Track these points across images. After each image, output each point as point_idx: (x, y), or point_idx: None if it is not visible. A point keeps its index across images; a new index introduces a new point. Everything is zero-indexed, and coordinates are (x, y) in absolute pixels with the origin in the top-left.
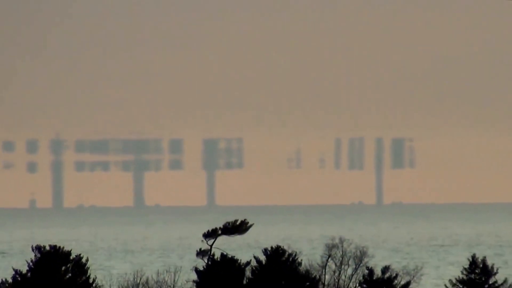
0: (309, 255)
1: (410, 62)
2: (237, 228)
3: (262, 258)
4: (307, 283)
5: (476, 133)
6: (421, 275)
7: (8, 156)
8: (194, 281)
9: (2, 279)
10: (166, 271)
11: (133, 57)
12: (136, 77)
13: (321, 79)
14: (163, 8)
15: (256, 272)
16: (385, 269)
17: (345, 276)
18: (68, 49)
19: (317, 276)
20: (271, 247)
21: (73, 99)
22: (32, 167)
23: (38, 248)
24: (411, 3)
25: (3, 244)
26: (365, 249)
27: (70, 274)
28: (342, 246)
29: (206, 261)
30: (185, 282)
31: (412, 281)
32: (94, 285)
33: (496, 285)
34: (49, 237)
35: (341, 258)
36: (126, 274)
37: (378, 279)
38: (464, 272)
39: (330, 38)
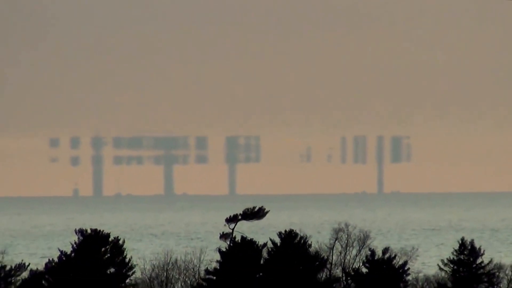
0: (318, 238)
1: (408, 68)
2: (255, 214)
3: (277, 240)
4: (317, 263)
5: (463, 132)
6: (417, 255)
7: (54, 151)
8: (217, 261)
9: (49, 259)
10: (193, 252)
11: (161, 63)
12: (166, 81)
13: (329, 84)
14: (180, 10)
15: (272, 253)
16: (385, 250)
17: (350, 257)
18: (103, 55)
19: (325, 257)
20: (285, 231)
21: (111, 100)
22: (75, 161)
23: (81, 231)
24: (413, 3)
25: (51, 226)
26: (367, 232)
27: (108, 254)
28: (348, 230)
29: (228, 243)
30: (210, 261)
31: (409, 261)
32: (129, 264)
33: (483, 265)
34: (90, 222)
35: (346, 241)
36: (157, 254)
37: (379, 259)
38: (455, 253)
39: (338, 44)
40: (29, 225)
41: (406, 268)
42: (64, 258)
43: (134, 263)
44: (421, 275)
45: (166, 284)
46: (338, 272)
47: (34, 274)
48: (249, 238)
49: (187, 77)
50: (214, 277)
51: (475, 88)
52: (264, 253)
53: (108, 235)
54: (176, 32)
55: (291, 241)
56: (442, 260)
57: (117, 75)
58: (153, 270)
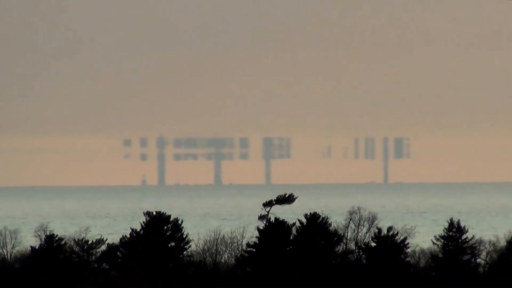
0: (336, 219)
1: (410, 77)
2: (286, 199)
3: (304, 221)
4: (335, 238)
5: (453, 134)
6: (414, 233)
7: (127, 149)
8: (256, 237)
9: (123, 235)
10: (237, 230)
11: (211, 76)
12: (216, 93)
13: (345, 96)
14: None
15: (299, 230)
16: (390, 229)
17: (362, 234)
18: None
19: (342, 234)
20: (310, 213)
21: (172, 108)
22: (143, 157)
23: (148, 213)
24: (415, 4)
25: (125, 209)
26: (375, 214)
27: (169, 232)
28: (359, 212)
29: (264, 223)
30: (250, 237)
31: (408, 237)
32: (186, 239)
33: (467, 240)
34: (155, 206)
35: (358, 221)
36: (208, 231)
37: (384, 236)
38: (445, 231)
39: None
40: (106, 208)
41: (406, 243)
42: (134, 235)
43: (190, 238)
44: (417, 248)
45: (215, 256)
46: (352, 246)
47: (111, 247)
48: (281, 219)
49: (233, 89)
50: (254, 250)
51: (463, 97)
52: (293, 231)
53: (169, 216)
54: (230, 47)
55: (315, 221)
56: (435, 236)
57: (177, 86)
58: (205, 244)
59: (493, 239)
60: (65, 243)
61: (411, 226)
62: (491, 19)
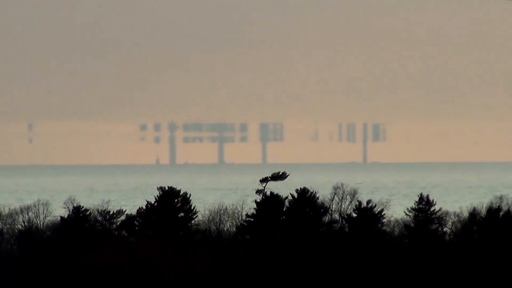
0: (323, 193)
1: (386, 72)
2: (279, 176)
3: (295, 195)
4: (322, 210)
5: (422, 119)
6: (389, 205)
7: (143, 133)
8: (254, 208)
9: (139, 207)
10: (237, 202)
11: (216, 68)
12: (219, 83)
13: (330, 88)
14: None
15: (291, 203)
16: (368, 202)
17: (345, 206)
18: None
19: (327, 206)
20: (300, 188)
21: (182, 98)
22: (157, 140)
23: (161, 188)
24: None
25: (140, 184)
26: (356, 189)
27: (179, 204)
28: (343, 188)
29: (261, 196)
30: (249, 209)
31: (384, 209)
32: (193, 210)
33: (434, 211)
34: (166, 182)
35: (342, 195)
36: (213, 203)
37: (364, 207)
38: (416, 204)
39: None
40: (125, 183)
41: (382, 214)
42: (149, 206)
43: (197, 209)
44: (392, 218)
45: (219, 224)
46: (336, 216)
47: (129, 217)
48: (275, 193)
49: (234, 81)
50: (252, 220)
51: (431, 89)
52: (286, 203)
53: (179, 191)
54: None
55: (304, 195)
56: (407, 208)
57: (186, 79)
58: (210, 214)
59: (457, 210)
60: (90, 214)
61: (387, 200)
62: (466, 12)
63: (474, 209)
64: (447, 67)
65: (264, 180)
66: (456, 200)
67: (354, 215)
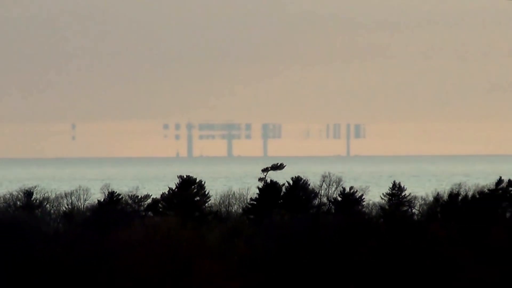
0: (313, 180)
1: (366, 80)
2: (278, 167)
3: (290, 182)
4: (312, 195)
5: (397, 120)
6: (368, 191)
7: (166, 131)
8: (257, 193)
9: (163, 192)
10: (243, 188)
11: (227, 75)
12: (227, 90)
13: (319, 93)
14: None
15: (287, 189)
16: (351, 188)
17: (331, 191)
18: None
19: (317, 191)
20: (295, 177)
21: (198, 103)
22: (177, 137)
23: (180, 177)
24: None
25: (163, 173)
26: (341, 177)
27: (195, 190)
28: (330, 176)
29: (263, 183)
30: (253, 193)
31: (364, 194)
32: (207, 195)
33: (405, 196)
34: (185, 171)
35: (329, 182)
36: (224, 188)
37: (347, 192)
38: (390, 189)
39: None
40: (151, 172)
41: (362, 198)
42: (171, 192)
43: (210, 194)
44: (371, 202)
45: (228, 207)
46: (324, 200)
47: (154, 200)
48: (274, 181)
49: (240, 89)
50: (255, 203)
51: (405, 94)
52: (283, 189)
53: (195, 179)
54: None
55: (298, 182)
56: (383, 193)
57: (200, 87)
58: (220, 198)
59: (424, 195)
60: (122, 198)
61: (366, 186)
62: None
63: (438, 194)
64: (416, 76)
65: (265, 170)
66: (423, 187)
67: (339, 198)
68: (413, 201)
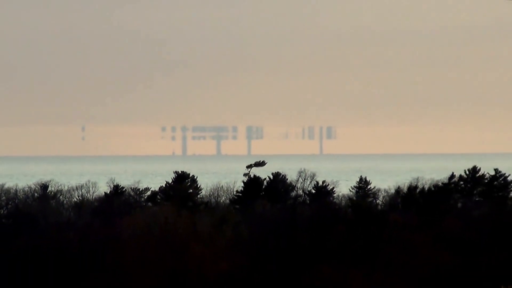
0: (291, 176)
1: (338, 86)
2: (260, 164)
3: (271, 177)
4: (290, 188)
5: (365, 123)
6: (338, 184)
7: (163, 134)
8: (242, 187)
9: (160, 185)
10: (230, 182)
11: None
12: (216, 95)
13: (296, 98)
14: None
15: (268, 183)
16: (323, 182)
17: (306, 185)
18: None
19: (294, 185)
20: (275, 172)
21: (191, 108)
22: (173, 138)
23: (176, 172)
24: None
25: (161, 169)
26: (314, 173)
27: (189, 183)
28: (305, 172)
29: (247, 178)
30: (239, 186)
31: (334, 187)
32: (199, 187)
33: (370, 189)
34: (180, 168)
35: (304, 177)
36: (213, 182)
37: (320, 186)
38: (357, 183)
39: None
40: (151, 169)
41: (333, 191)
42: (168, 185)
43: (201, 187)
44: (340, 194)
45: (217, 198)
46: (300, 192)
47: (153, 193)
48: (257, 176)
49: (227, 94)
50: (240, 195)
51: (374, 97)
52: (265, 183)
53: (188, 174)
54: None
55: (278, 177)
56: (351, 186)
57: (193, 93)
58: (210, 190)
59: (386, 188)
60: (125, 190)
61: (336, 180)
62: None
63: (399, 187)
64: (383, 83)
65: (249, 167)
66: (386, 181)
67: (313, 191)
68: (377, 193)
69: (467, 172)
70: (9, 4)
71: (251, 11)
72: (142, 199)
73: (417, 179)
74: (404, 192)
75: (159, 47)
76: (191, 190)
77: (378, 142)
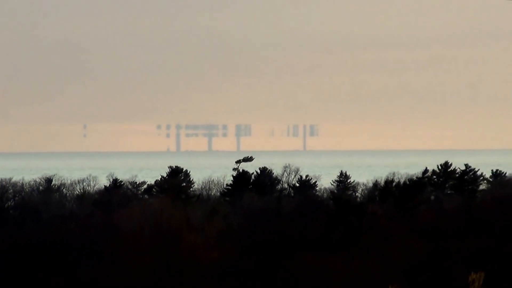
0: (276, 170)
1: (321, 88)
2: (248, 159)
3: (258, 171)
4: (276, 181)
5: (344, 121)
6: (321, 178)
7: (158, 131)
8: (231, 180)
9: (156, 180)
10: (220, 176)
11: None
12: (208, 96)
13: (281, 99)
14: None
15: (256, 176)
16: (307, 176)
17: (291, 178)
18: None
19: (280, 178)
20: (262, 167)
21: (185, 107)
22: (168, 135)
23: (170, 167)
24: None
25: (156, 164)
26: (298, 168)
27: (182, 177)
28: (289, 166)
29: (236, 172)
30: (228, 180)
31: (317, 181)
32: (191, 181)
33: (350, 182)
34: (173, 163)
35: (289, 171)
36: (205, 177)
37: (304, 180)
38: (338, 177)
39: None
40: (147, 163)
41: (316, 184)
42: (163, 179)
43: (194, 180)
44: (323, 187)
45: (208, 191)
46: (285, 185)
47: (150, 186)
48: (245, 170)
49: (217, 95)
50: (230, 188)
51: (353, 98)
52: (252, 177)
53: (182, 168)
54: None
55: (265, 171)
56: (332, 180)
57: (187, 93)
58: (202, 184)
59: (364, 182)
60: (123, 184)
61: (319, 175)
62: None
63: (376, 180)
64: (362, 85)
65: (238, 162)
66: (364, 175)
67: (297, 184)
68: (356, 186)
69: (440, 167)
70: (8, 3)
71: (239, 17)
72: (139, 192)
73: (393, 173)
74: (381, 186)
75: (156, 50)
76: (184, 184)
77: (357, 140)
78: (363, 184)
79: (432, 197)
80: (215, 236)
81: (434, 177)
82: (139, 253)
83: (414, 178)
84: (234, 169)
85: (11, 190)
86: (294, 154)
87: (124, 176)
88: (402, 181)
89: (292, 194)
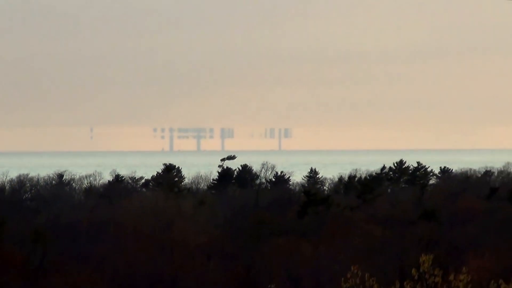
0: (256, 167)
1: (296, 94)
2: (231, 158)
3: (240, 168)
4: (255, 176)
5: (316, 125)
6: (294, 174)
7: (154, 133)
8: (217, 175)
9: (152, 175)
10: (208, 172)
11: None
12: (197, 102)
13: (260, 104)
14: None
15: (238, 173)
16: (282, 172)
17: (268, 174)
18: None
19: (258, 174)
20: (243, 164)
21: (176, 113)
22: (162, 137)
23: (164, 164)
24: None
25: (150, 163)
26: (274, 165)
27: (175, 173)
28: (267, 164)
29: (221, 169)
30: (215, 176)
31: (290, 176)
32: (183, 176)
33: (319, 177)
34: (168, 161)
35: (266, 168)
36: (194, 173)
37: (279, 175)
38: (308, 173)
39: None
40: (144, 162)
41: (289, 179)
42: (158, 174)
43: (185, 176)
44: (295, 181)
45: (197, 184)
46: (263, 180)
47: (147, 181)
48: (229, 167)
49: (205, 101)
50: (216, 182)
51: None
52: (235, 173)
53: (175, 165)
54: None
55: (245, 168)
56: (304, 175)
57: (177, 100)
58: (192, 179)
59: (331, 177)
60: (124, 178)
61: (292, 171)
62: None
63: (341, 176)
64: (331, 94)
65: (223, 160)
66: (331, 171)
67: (273, 179)
68: (324, 181)
69: (395, 165)
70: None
71: (232, 31)
72: (138, 185)
73: (356, 170)
74: (345, 180)
75: (151, 62)
76: (176, 179)
77: (325, 141)
78: (330, 179)
79: (389, 190)
80: (203, 223)
81: (391, 173)
82: (138, 237)
83: (374, 174)
84: (219, 166)
85: (28, 184)
86: (271, 154)
87: (124, 172)
88: (363, 176)
89: (269, 188)
